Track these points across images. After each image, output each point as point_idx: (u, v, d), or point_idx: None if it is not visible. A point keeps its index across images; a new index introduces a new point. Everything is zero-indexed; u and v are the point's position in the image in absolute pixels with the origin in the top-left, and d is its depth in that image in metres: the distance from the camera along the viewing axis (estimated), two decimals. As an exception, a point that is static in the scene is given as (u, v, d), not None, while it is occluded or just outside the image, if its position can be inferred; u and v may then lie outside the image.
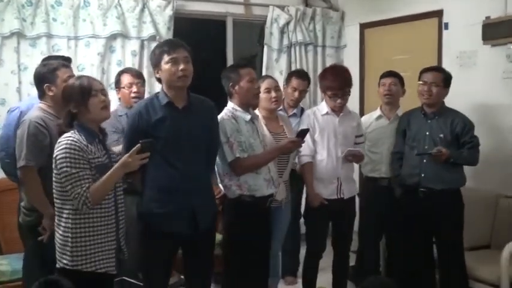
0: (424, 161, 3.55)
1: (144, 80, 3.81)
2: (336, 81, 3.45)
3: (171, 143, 2.76)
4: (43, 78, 2.94)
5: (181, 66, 2.74)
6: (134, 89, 3.71)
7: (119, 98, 3.89)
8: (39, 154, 2.78)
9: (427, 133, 3.59)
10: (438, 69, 3.73)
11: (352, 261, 3.98)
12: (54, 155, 2.43)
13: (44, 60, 3.25)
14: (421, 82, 3.61)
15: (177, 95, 2.81)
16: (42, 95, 2.98)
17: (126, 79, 3.75)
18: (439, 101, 3.61)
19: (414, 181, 3.61)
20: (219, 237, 3.92)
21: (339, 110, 3.52)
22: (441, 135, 3.54)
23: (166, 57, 2.74)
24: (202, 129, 2.89)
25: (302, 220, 4.09)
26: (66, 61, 3.21)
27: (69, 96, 2.52)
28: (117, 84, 3.83)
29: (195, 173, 2.85)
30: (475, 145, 3.54)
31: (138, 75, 3.79)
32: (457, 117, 3.56)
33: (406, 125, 3.73)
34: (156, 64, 2.80)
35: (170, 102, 2.79)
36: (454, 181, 3.56)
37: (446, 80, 3.60)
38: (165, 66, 2.75)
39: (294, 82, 4.13)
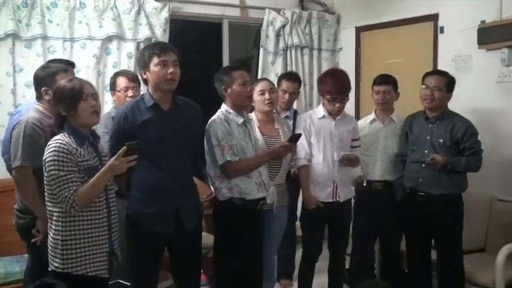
0: (423, 165, 3.54)
1: (139, 83, 3.80)
2: (335, 85, 3.45)
3: (157, 144, 2.77)
4: (41, 81, 2.95)
5: (170, 70, 2.77)
6: (130, 93, 3.69)
7: (114, 100, 3.88)
8: (34, 155, 2.76)
9: (428, 137, 3.57)
10: (442, 73, 3.67)
11: (347, 264, 3.98)
12: (43, 158, 2.42)
13: (47, 63, 3.24)
14: (423, 86, 3.58)
15: (162, 97, 2.84)
16: (39, 97, 2.99)
17: (122, 83, 3.73)
18: (441, 106, 3.57)
19: (412, 185, 3.61)
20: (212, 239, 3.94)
21: (336, 113, 3.52)
22: (440, 141, 3.51)
23: (156, 60, 2.76)
24: (188, 130, 2.92)
25: (298, 223, 4.09)
26: (70, 66, 3.21)
27: (60, 98, 2.49)
28: (112, 86, 3.81)
29: (180, 174, 2.88)
30: (476, 152, 3.48)
31: (133, 78, 3.78)
32: (459, 123, 3.51)
33: (409, 128, 3.72)
34: (144, 65, 2.82)
35: (156, 104, 2.82)
36: (454, 186, 3.52)
37: (449, 84, 3.55)
38: (154, 68, 2.77)
39: (284, 84, 4.15)
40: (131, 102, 2.95)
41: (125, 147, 2.42)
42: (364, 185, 3.84)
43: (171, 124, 2.83)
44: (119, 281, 3.61)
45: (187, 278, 3.02)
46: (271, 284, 3.81)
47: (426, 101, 3.57)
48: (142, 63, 2.82)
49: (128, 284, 3.62)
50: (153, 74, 2.78)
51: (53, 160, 2.37)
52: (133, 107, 2.83)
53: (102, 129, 3.59)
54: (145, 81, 2.88)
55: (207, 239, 4.17)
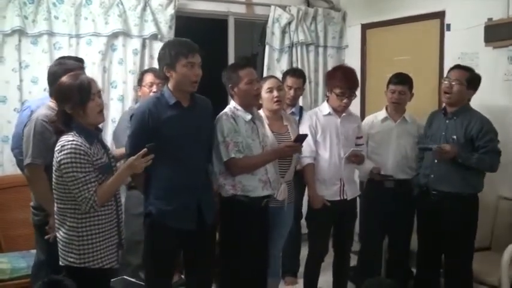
0: (436, 161, 3.52)
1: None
2: (345, 80, 3.44)
3: (179, 141, 2.81)
4: (58, 76, 2.92)
5: (197, 71, 2.80)
6: (154, 88, 3.80)
7: (139, 96, 4.03)
8: (45, 152, 2.77)
9: (443, 133, 3.54)
10: (465, 68, 3.58)
11: (353, 262, 3.97)
12: (57, 158, 2.41)
13: (58, 59, 3.24)
14: (445, 81, 3.53)
15: (183, 95, 2.87)
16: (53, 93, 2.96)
17: (148, 78, 3.85)
18: (460, 101, 3.51)
19: (425, 181, 3.60)
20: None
21: (342, 110, 3.51)
22: (454, 137, 3.47)
23: (183, 60, 2.77)
24: (204, 127, 2.97)
25: (303, 221, 4.09)
26: (80, 62, 3.21)
27: (66, 96, 2.45)
28: (140, 82, 3.95)
29: (200, 170, 2.94)
30: (491, 150, 3.41)
31: (160, 75, 3.81)
32: (475, 120, 3.44)
33: (428, 125, 3.71)
34: (170, 64, 2.80)
35: (178, 101, 2.84)
36: (466, 185, 3.46)
37: (471, 80, 3.49)
38: (182, 69, 2.78)
39: (289, 80, 4.16)
40: (151, 98, 2.95)
41: (145, 149, 2.49)
42: (382, 173, 3.75)
43: (191, 121, 2.86)
44: (124, 277, 3.62)
45: (201, 274, 3.03)
46: (277, 282, 3.82)
47: (446, 94, 3.52)
48: (169, 61, 2.79)
49: (133, 280, 3.64)
50: (179, 74, 2.79)
51: (71, 162, 2.37)
52: (156, 103, 2.84)
53: (125, 123, 3.62)
54: (167, 79, 2.87)
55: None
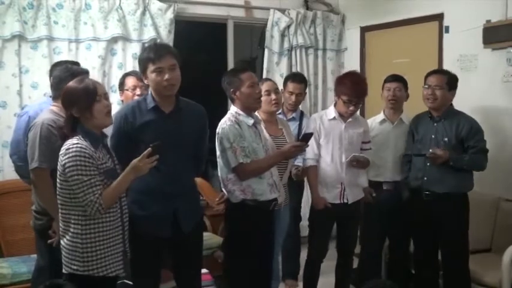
0: (428, 164, 3.54)
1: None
2: (354, 88, 3.43)
3: None
4: (63, 80, 2.90)
5: (166, 76, 2.70)
6: (138, 91, 3.70)
7: (122, 100, 3.89)
8: (51, 156, 2.75)
9: (433, 136, 3.57)
10: (442, 72, 3.68)
11: (353, 264, 3.97)
12: (61, 162, 2.39)
13: (55, 66, 3.22)
14: (425, 86, 3.58)
15: (164, 100, 2.80)
16: (58, 96, 2.92)
17: (130, 81, 3.74)
18: (444, 104, 3.57)
19: (418, 184, 3.60)
20: (219, 240, 3.95)
21: (348, 116, 3.51)
22: (445, 139, 3.51)
23: (151, 66, 2.71)
24: (189, 133, 2.87)
25: (302, 223, 4.09)
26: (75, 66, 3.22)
27: (72, 100, 2.44)
28: (121, 86, 3.82)
29: (179, 177, 2.84)
30: (481, 150, 3.47)
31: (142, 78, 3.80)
32: (463, 121, 3.51)
33: (415, 128, 3.73)
34: (143, 71, 2.78)
35: (157, 106, 2.78)
36: (458, 186, 3.51)
37: (450, 82, 3.56)
38: (151, 75, 2.72)
39: (290, 86, 4.13)
40: (132, 102, 2.93)
41: (149, 148, 2.43)
42: (374, 195, 3.75)
43: (171, 127, 2.78)
44: (125, 281, 3.62)
45: (187, 280, 3.00)
46: (276, 284, 3.82)
47: (429, 100, 3.57)
48: (142, 68, 2.78)
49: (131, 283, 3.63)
50: (150, 80, 2.75)
51: (76, 165, 2.34)
52: (134, 108, 2.80)
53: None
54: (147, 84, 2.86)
55: (213, 239, 4.20)
